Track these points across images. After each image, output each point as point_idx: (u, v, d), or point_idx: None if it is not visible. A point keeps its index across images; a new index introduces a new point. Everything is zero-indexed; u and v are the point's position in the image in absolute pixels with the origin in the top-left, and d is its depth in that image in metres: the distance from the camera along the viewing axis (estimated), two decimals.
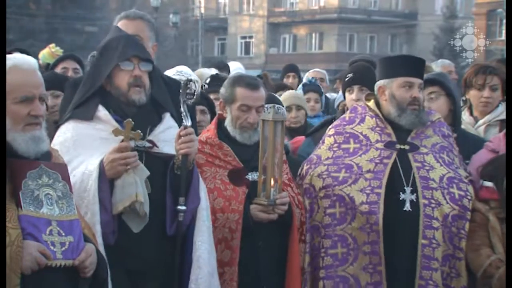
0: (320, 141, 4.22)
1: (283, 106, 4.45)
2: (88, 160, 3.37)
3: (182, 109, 3.53)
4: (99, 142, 3.42)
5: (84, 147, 3.41)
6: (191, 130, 3.52)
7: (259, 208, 3.81)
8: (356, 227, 3.91)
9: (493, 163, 4.07)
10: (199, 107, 4.70)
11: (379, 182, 3.93)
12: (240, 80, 4.00)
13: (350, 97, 4.79)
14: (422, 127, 4.10)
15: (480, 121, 4.97)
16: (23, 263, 2.73)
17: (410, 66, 4.10)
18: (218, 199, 3.80)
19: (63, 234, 2.87)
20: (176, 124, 3.62)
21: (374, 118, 4.12)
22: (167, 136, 3.55)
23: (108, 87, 3.52)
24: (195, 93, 3.67)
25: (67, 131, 3.47)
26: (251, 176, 3.90)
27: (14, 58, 2.97)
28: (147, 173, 3.39)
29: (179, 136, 3.48)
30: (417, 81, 4.06)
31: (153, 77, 3.59)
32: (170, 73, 5.49)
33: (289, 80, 7.91)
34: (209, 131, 4.02)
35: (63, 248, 2.84)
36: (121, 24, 4.01)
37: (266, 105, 3.97)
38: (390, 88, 4.08)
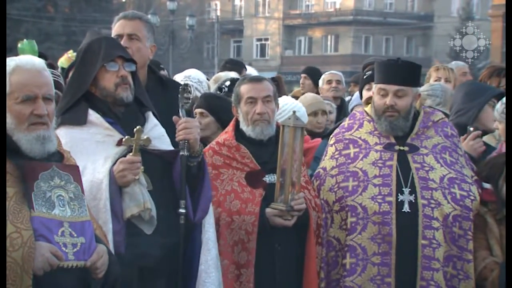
0: (324, 152, 4.23)
1: None
2: (92, 166, 3.36)
3: (180, 113, 3.59)
4: (95, 146, 3.42)
5: (81, 152, 3.38)
6: (187, 118, 3.58)
7: (275, 212, 3.82)
8: (367, 237, 3.90)
9: (487, 164, 4.06)
10: (198, 110, 4.70)
11: (388, 189, 3.92)
12: (243, 79, 4.13)
13: (368, 93, 4.77)
14: (401, 133, 4.05)
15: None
16: (35, 264, 2.74)
17: (384, 72, 4.04)
18: (235, 201, 3.82)
19: (75, 235, 2.88)
20: (158, 122, 3.65)
21: (371, 123, 4.13)
22: (155, 133, 3.58)
23: (93, 89, 3.52)
24: (191, 98, 3.70)
25: (60, 138, 3.37)
26: (268, 178, 3.92)
27: (17, 59, 2.99)
28: (145, 184, 3.41)
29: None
30: (391, 87, 3.99)
31: (134, 77, 3.61)
32: (179, 77, 5.50)
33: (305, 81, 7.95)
34: (227, 133, 4.05)
35: (75, 249, 2.85)
36: (119, 24, 4.03)
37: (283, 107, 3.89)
38: (374, 94, 4.11)
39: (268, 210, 3.82)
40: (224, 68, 7.15)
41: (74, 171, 3.02)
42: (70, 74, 6.09)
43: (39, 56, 4.38)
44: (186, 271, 3.53)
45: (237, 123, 4.05)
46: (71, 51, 7.00)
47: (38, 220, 2.81)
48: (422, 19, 46.85)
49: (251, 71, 7.57)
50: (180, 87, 3.66)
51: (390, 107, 3.99)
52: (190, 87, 3.66)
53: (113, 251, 3.21)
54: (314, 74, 8.04)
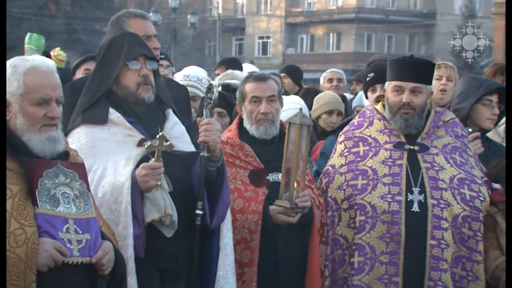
0: (333, 149, 4.21)
1: None
2: (113, 167, 3.32)
3: (204, 113, 3.56)
4: (115, 146, 3.37)
5: (102, 152, 3.35)
6: (210, 119, 3.54)
7: (279, 210, 3.81)
8: (375, 236, 3.89)
9: (497, 165, 4.04)
10: (217, 109, 4.70)
11: (398, 188, 3.91)
12: (248, 77, 4.09)
13: (373, 96, 4.75)
14: (415, 131, 4.04)
15: (501, 121, 4.92)
16: (39, 260, 2.74)
17: (400, 69, 4.02)
18: (238, 200, 3.81)
19: (80, 232, 2.88)
20: (179, 120, 3.61)
21: (382, 121, 4.11)
22: (176, 132, 3.55)
23: (114, 88, 3.46)
24: (214, 98, 3.66)
25: (80, 137, 3.39)
26: (272, 177, 3.91)
27: (32, 60, 2.98)
28: (167, 188, 3.36)
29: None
30: (407, 85, 3.99)
31: (155, 75, 3.56)
32: (178, 76, 5.48)
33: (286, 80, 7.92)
34: (230, 131, 4.03)
35: (80, 246, 2.85)
36: (136, 22, 3.92)
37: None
38: (387, 91, 4.09)
39: (272, 207, 3.81)
40: (219, 67, 7.14)
41: (80, 169, 3.01)
42: (77, 72, 6.07)
43: (43, 55, 4.34)
44: (204, 276, 3.51)
45: (241, 121, 4.04)
46: (57, 48, 6.90)
47: (42, 217, 2.81)
48: (425, 17, 46.80)
49: (249, 68, 7.55)
50: (206, 87, 3.64)
51: (407, 104, 3.98)
52: (214, 87, 3.63)
53: (133, 256, 3.20)
54: (293, 73, 8.04)
